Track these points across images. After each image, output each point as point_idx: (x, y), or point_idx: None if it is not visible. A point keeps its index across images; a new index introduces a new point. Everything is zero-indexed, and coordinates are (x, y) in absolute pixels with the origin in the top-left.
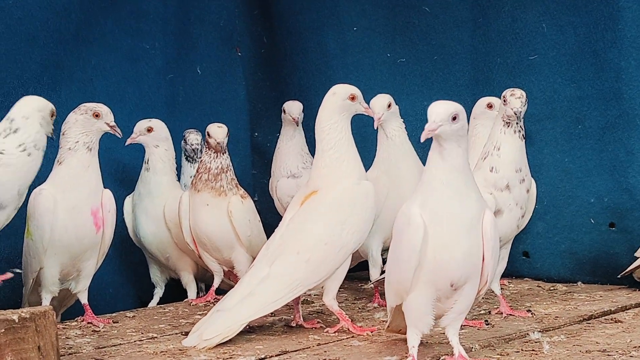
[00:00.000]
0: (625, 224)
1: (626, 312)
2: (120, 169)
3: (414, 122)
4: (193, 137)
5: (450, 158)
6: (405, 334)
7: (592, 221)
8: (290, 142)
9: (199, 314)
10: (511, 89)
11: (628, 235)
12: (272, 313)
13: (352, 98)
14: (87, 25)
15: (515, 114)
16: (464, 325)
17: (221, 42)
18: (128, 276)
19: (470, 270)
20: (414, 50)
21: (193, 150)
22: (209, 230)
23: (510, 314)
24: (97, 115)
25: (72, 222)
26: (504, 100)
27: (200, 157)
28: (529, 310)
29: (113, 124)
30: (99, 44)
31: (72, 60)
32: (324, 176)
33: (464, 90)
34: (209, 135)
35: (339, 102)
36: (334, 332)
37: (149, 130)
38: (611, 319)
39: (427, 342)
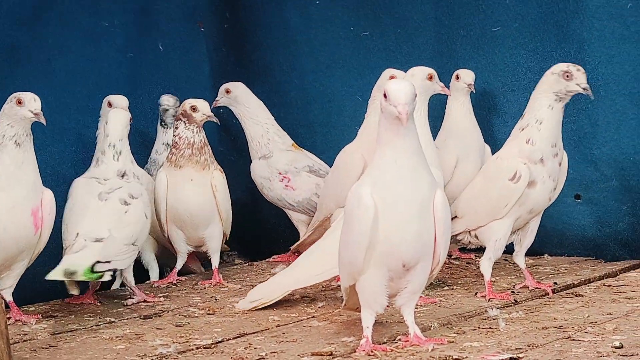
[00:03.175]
0: (591, 196)
1: (588, 286)
2: (74, 149)
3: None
4: (166, 98)
5: (409, 137)
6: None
7: None
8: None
9: (160, 296)
10: (572, 64)
11: (594, 207)
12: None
13: (430, 78)
14: (44, 4)
15: (585, 90)
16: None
17: (183, 18)
18: None
19: (422, 250)
20: (377, 23)
21: (163, 110)
22: (192, 207)
23: (537, 287)
24: (19, 102)
25: (11, 222)
26: (567, 75)
27: (171, 121)
28: (555, 283)
29: (38, 111)
30: (57, 22)
31: (29, 40)
32: None
33: (427, 63)
34: (194, 109)
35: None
36: None
37: (110, 105)
38: (572, 293)
39: (386, 322)
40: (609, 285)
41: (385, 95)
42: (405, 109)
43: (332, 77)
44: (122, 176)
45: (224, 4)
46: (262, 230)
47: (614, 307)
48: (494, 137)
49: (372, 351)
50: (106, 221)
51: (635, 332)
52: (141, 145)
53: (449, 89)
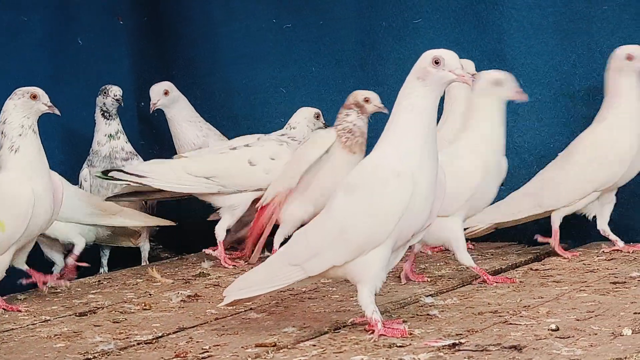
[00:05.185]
0: (514, 183)
1: (516, 270)
2: None
3: (302, 87)
4: (117, 89)
5: (435, 109)
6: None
7: None
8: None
9: (92, 293)
10: None
11: None
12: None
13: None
14: None
15: None
16: None
17: (102, 11)
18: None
19: (427, 220)
20: (299, 15)
21: (117, 100)
22: None
23: None
24: (34, 97)
25: (42, 205)
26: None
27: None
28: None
29: (50, 104)
30: None
31: None
32: None
33: (350, 55)
34: (367, 100)
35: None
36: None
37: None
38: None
39: (324, 311)
40: (536, 270)
41: (437, 62)
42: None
43: (255, 69)
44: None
45: None
46: (189, 224)
47: (544, 291)
48: None
49: (391, 330)
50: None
51: (568, 314)
52: (64, 139)
53: None
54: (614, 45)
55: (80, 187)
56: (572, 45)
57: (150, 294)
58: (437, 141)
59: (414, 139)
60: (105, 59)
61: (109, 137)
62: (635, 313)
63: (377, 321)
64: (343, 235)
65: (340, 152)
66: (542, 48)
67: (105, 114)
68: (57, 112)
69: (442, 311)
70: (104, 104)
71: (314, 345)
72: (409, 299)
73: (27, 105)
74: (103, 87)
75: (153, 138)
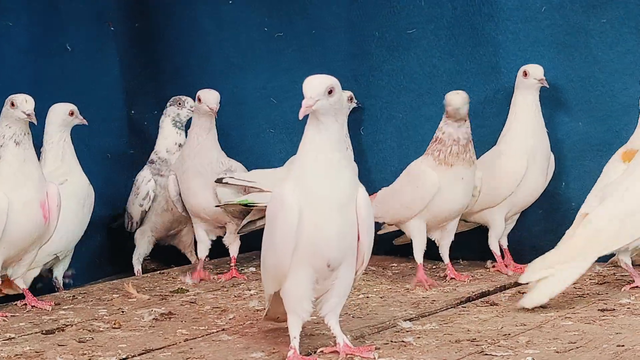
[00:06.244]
0: None
1: (503, 293)
2: None
3: (292, 98)
4: (192, 100)
5: (328, 133)
6: (283, 321)
7: None
8: (209, 135)
9: (64, 309)
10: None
11: None
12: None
13: None
14: None
15: None
16: None
17: (92, 17)
18: None
19: (346, 249)
20: (291, 24)
21: (192, 112)
22: (460, 205)
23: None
24: (12, 105)
25: (24, 216)
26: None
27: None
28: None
29: (30, 112)
30: None
31: None
32: None
33: (342, 65)
34: (448, 104)
35: None
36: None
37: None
38: (487, 301)
39: (310, 334)
40: (524, 293)
41: None
42: (308, 102)
43: (245, 78)
44: None
45: (134, 3)
46: None
47: (527, 317)
48: (414, 140)
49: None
50: None
51: (548, 345)
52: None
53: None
54: (612, 59)
55: (149, 200)
56: (569, 59)
57: (123, 311)
58: (345, 164)
59: (308, 163)
60: (94, 66)
61: (179, 147)
62: (618, 346)
63: (294, 348)
64: (263, 265)
65: (438, 170)
66: (538, 61)
67: (178, 123)
68: (34, 120)
69: (419, 337)
70: (178, 114)
71: None
72: (387, 322)
73: (8, 113)
74: (178, 98)
75: (142, 147)
